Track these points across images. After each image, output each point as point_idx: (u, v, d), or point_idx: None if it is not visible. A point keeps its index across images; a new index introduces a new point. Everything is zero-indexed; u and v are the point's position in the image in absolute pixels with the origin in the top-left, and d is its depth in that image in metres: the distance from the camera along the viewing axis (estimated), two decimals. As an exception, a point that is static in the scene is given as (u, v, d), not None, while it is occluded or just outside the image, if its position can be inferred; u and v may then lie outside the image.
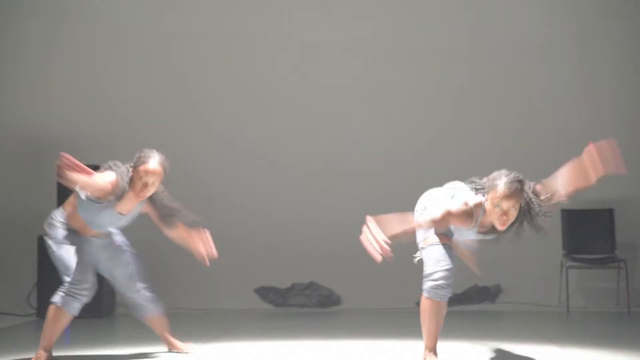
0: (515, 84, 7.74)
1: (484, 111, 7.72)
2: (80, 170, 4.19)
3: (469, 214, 4.07)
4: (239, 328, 6.25)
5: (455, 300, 7.68)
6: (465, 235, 4.23)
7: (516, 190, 3.98)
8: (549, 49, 7.74)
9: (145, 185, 4.44)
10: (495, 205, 3.99)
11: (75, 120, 7.69)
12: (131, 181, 4.46)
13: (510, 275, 7.47)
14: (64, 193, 6.95)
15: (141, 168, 4.45)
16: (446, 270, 4.17)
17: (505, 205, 3.98)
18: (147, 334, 5.92)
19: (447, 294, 4.21)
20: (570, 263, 7.26)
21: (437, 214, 4.09)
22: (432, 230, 4.24)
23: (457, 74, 7.73)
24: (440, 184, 4.47)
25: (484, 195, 4.07)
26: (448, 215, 4.07)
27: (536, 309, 7.20)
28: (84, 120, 7.70)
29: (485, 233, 4.16)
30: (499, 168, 4.13)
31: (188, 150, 7.74)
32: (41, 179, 7.54)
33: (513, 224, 4.05)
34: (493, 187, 4.01)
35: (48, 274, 6.69)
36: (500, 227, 4.04)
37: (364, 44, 7.83)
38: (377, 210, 7.98)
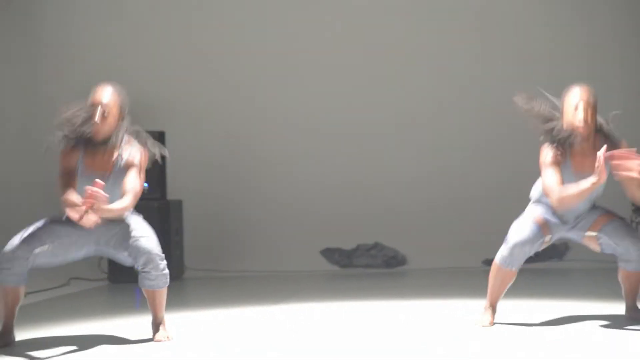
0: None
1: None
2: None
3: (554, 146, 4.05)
4: (306, 289, 6.30)
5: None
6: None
7: (585, 86, 4.03)
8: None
9: (93, 117, 3.88)
10: (574, 107, 4.00)
11: (133, 86, 7.73)
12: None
13: (578, 232, 7.38)
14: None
15: (90, 97, 3.92)
16: (512, 246, 4.15)
17: (576, 100, 3.99)
18: (217, 297, 6.02)
19: (508, 265, 4.20)
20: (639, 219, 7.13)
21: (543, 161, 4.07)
22: (536, 211, 4.22)
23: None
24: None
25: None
26: (545, 158, 4.05)
27: (605, 266, 7.09)
28: (141, 87, 7.79)
29: (583, 171, 4.05)
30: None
31: (248, 114, 7.79)
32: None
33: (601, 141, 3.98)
34: (567, 93, 4.08)
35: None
36: (580, 129, 3.98)
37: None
38: (444, 168, 7.97)
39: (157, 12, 7.85)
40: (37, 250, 3.98)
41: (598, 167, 3.80)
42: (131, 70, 7.82)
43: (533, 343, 3.89)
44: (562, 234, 4.28)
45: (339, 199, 7.70)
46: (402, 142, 7.75)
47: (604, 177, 3.84)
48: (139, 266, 4.08)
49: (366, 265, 7.51)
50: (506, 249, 4.19)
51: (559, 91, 4.34)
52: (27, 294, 5.96)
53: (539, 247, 4.23)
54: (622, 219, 4.22)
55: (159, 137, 7.16)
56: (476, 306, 4.83)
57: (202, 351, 3.95)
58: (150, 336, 4.22)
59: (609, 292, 5.28)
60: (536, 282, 6.41)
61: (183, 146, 7.65)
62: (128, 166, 4.00)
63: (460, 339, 4.03)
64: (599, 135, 4.08)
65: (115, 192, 3.96)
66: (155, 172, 7.15)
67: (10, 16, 7.70)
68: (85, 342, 4.18)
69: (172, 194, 7.31)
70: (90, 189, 3.73)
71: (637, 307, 4.28)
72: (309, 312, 5.09)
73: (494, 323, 4.31)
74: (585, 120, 3.98)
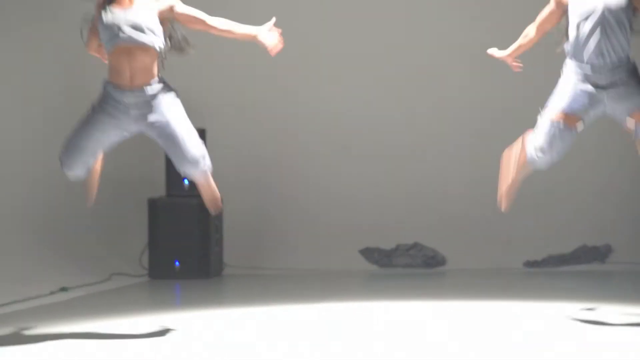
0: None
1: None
2: None
3: None
4: (345, 289, 6.30)
5: (563, 260, 7.56)
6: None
7: None
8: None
9: None
10: None
11: (174, 84, 7.80)
12: None
13: (621, 234, 7.28)
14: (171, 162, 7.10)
15: None
16: (542, 154, 4.22)
17: None
18: (256, 294, 6.03)
19: (540, 165, 4.28)
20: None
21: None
22: (560, 100, 4.19)
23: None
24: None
25: None
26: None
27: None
28: (182, 84, 7.76)
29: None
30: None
31: (288, 111, 7.79)
32: (150, 142, 7.71)
33: None
34: None
35: (159, 236, 6.88)
36: None
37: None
38: (482, 168, 7.91)
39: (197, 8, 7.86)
40: (93, 160, 4.22)
41: None
42: (172, 68, 7.86)
43: (574, 346, 3.84)
44: (599, 111, 4.16)
45: (379, 198, 7.67)
46: (443, 143, 7.70)
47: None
48: (179, 167, 4.23)
49: (405, 265, 7.48)
50: (538, 152, 4.27)
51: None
52: (67, 289, 6.06)
53: (576, 131, 4.18)
54: None
55: (201, 134, 7.20)
56: (517, 308, 4.79)
57: (239, 349, 3.96)
58: (191, 333, 4.24)
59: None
60: (578, 284, 6.34)
61: (224, 143, 7.68)
62: (167, 5, 4.21)
63: (499, 341, 3.99)
64: None
65: (139, 21, 4.12)
66: (196, 170, 7.19)
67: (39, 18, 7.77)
68: (125, 338, 4.21)
69: (212, 191, 7.34)
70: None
71: None
72: (348, 311, 5.08)
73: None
74: None
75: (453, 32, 7.72)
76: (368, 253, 7.57)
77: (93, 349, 3.96)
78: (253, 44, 7.76)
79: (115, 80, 4.16)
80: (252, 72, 7.84)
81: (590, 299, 5.32)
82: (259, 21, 8.18)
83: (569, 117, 4.15)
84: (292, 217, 7.74)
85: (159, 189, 7.27)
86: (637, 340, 3.92)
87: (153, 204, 6.98)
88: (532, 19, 4.54)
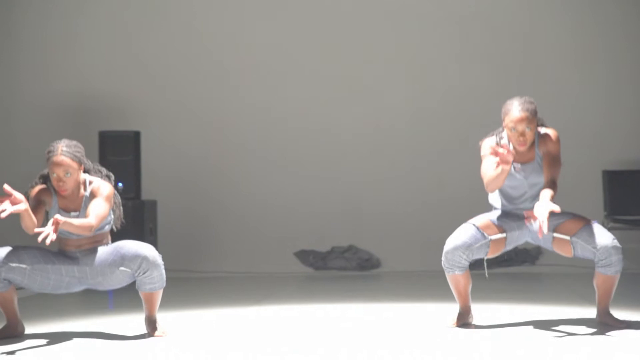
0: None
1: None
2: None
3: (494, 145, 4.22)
4: (280, 292, 6.31)
5: (495, 262, 7.69)
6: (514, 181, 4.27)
7: (529, 110, 4.12)
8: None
9: (57, 180, 4.06)
10: (511, 129, 4.13)
11: (109, 87, 7.75)
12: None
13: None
14: (105, 163, 7.04)
15: (48, 163, 4.08)
16: (445, 252, 4.29)
17: (520, 127, 4.11)
18: (190, 297, 6.01)
19: (448, 270, 4.32)
20: (611, 224, 7.20)
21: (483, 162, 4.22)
22: (482, 216, 4.38)
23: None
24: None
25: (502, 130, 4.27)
26: (484, 150, 4.22)
27: (577, 271, 7.17)
28: (117, 87, 7.77)
29: (521, 165, 4.23)
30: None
31: (224, 115, 7.78)
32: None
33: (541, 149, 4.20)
34: (506, 112, 4.16)
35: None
36: (519, 148, 4.15)
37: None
38: (419, 171, 8.01)
39: (131, 14, 7.82)
40: (13, 265, 4.08)
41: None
42: (106, 71, 7.80)
43: (502, 347, 3.92)
44: (525, 235, 4.32)
45: (314, 202, 7.71)
46: (378, 146, 7.79)
47: (508, 167, 4.02)
48: (139, 272, 4.13)
49: (340, 267, 7.52)
50: (443, 254, 4.27)
51: (539, 96, 4.45)
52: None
53: (485, 248, 4.29)
54: (597, 223, 4.23)
55: (134, 137, 7.16)
56: (449, 309, 4.86)
57: (172, 352, 3.95)
58: (124, 338, 4.20)
59: (579, 296, 5.34)
60: (508, 286, 6.46)
61: (158, 146, 7.64)
62: (93, 197, 4.15)
63: (431, 342, 4.05)
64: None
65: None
66: (130, 172, 7.14)
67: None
68: (57, 343, 4.16)
69: (146, 193, 7.29)
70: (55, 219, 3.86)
71: (609, 312, 4.29)
72: (283, 314, 5.10)
73: (469, 325, 4.34)
74: (525, 141, 4.16)
75: (390, 45, 7.81)
76: (303, 256, 7.59)
77: (30, 356, 3.91)
78: (191, 45, 7.78)
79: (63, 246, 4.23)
80: (187, 75, 7.82)
81: (520, 300, 5.43)
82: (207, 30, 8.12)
83: (488, 226, 4.37)
84: (227, 220, 7.73)
85: (92, 192, 7.20)
86: (566, 342, 4.02)
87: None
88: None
